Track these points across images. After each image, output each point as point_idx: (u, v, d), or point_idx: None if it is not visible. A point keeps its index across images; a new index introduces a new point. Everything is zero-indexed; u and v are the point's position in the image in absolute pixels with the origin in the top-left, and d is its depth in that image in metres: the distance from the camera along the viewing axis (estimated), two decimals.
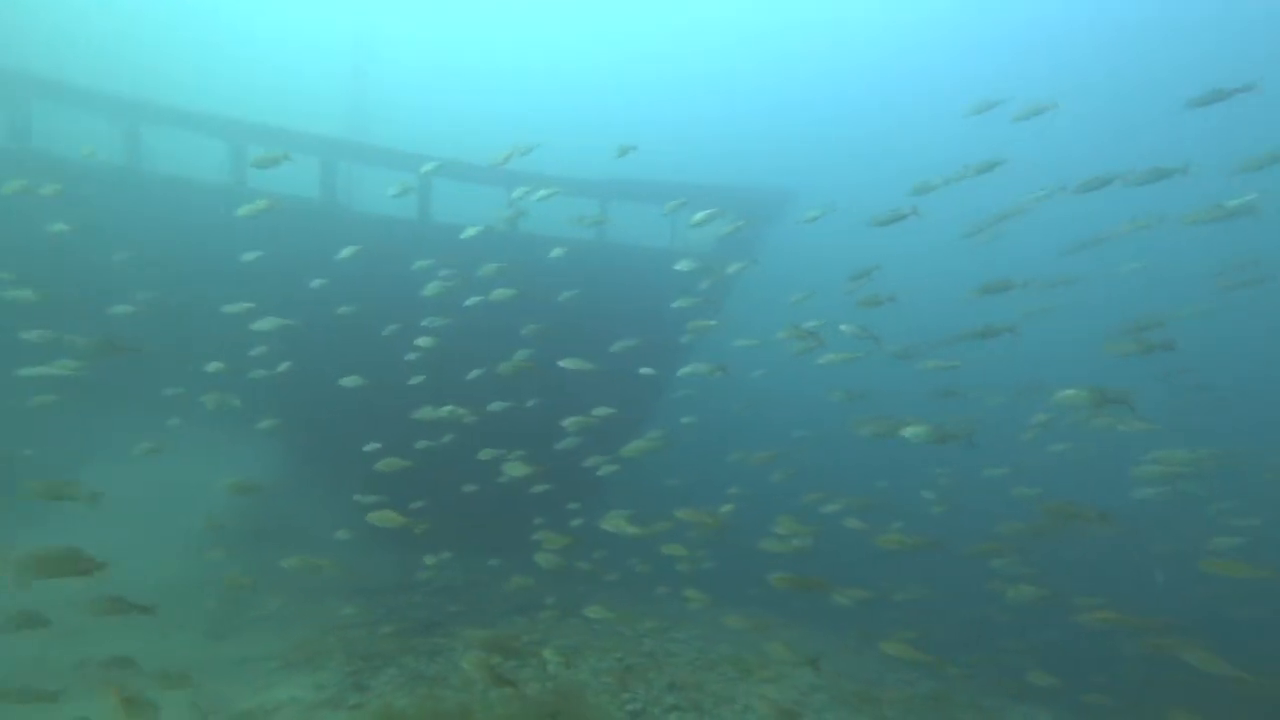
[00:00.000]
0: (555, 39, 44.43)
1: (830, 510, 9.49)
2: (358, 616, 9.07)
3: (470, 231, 9.92)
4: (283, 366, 9.66)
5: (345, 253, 9.25)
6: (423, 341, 9.61)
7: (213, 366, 8.90)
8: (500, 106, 45.81)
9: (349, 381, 9.01)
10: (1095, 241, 9.01)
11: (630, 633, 9.24)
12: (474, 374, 10.12)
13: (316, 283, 10.00)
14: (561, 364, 9.10)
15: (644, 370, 11.04)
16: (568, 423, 9.29)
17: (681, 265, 9.74)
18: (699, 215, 9.35)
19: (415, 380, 10.38)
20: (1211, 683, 7.54)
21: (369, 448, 9.31)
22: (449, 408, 8.72)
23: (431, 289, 9.47)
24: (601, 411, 9.42)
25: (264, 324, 8.65)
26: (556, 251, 10.20)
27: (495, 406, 10.00)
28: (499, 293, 9.42)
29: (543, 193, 10.00)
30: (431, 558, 9.32)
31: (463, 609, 9.52)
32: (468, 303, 9.87)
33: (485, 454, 9.19)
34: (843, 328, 8.61)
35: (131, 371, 10.40)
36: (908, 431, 7.03)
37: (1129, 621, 6.12)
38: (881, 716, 7.72)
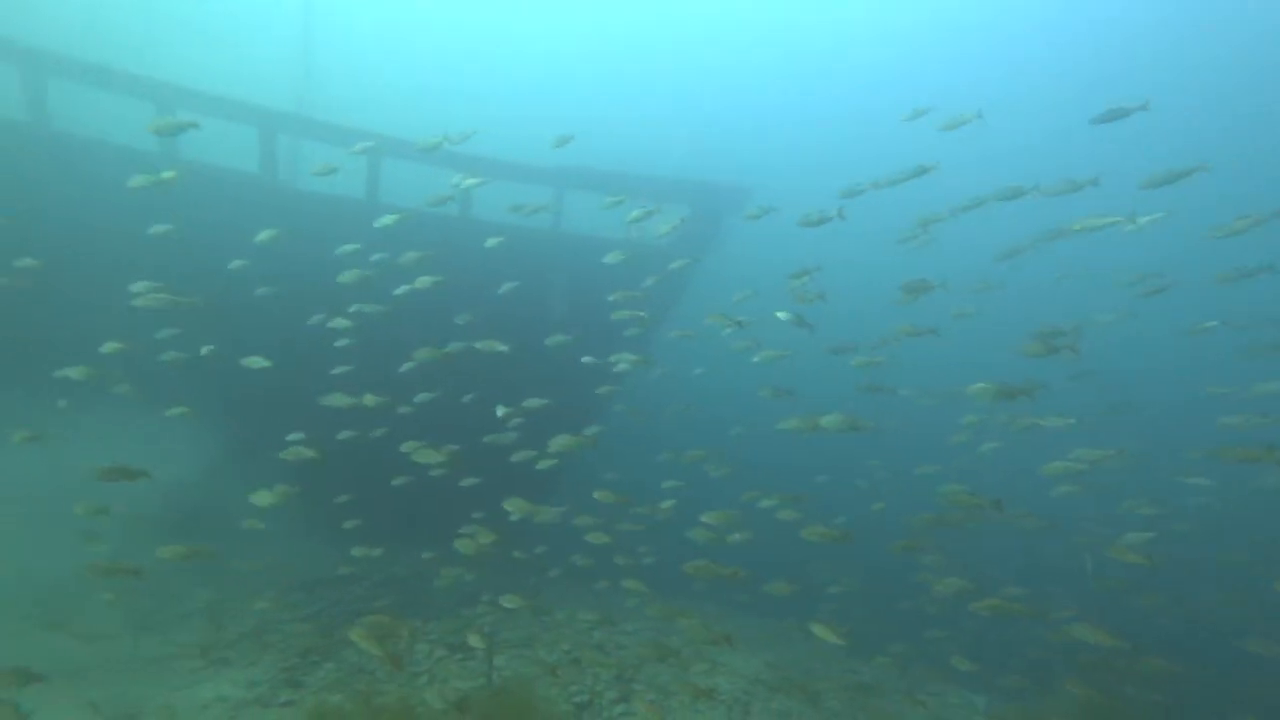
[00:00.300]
0: (521, 24, 43.35)
1: (767, 505, 9.57)
2: (295, 610, 8.63)
3: (386, 220, 9.01)
4: (206, 350, 8.93)
5: (264, 236, 8.54)
6: (338, 323, 9.03)
7: (110, 347, 8.08)
8: (460, 87, 44.43)
9: (253, 362, 8.28)
10: (1019, 250, 9.34)
11: (580, 625, 9.15)
12: (406, 366, 9.71)
13: (236, 263, 9.28)
14: (477, 346, 8.82)
15: (586, 359, 10.89)
16: (501, 412, 9.05)
17: (611, 258, 9.53)
18: (635, 212, 9.21)
19: (339, 370, 9.82)
20: (1111, 661, 8.09)
21: (293, 437, 8.80)
22: (368, 395, 8.26)
23: (373, 272, 8.99)
24: (534, 403, 9.21)
25: (153, 301, 7.77)
26: (492, 241, 9.73)
27: (423, 398, 9.59)
28: (443, 279, 9.04)
29: (471, 181, 9.51)
30: (360, 550, 8.88)
31: (406, 601, 9.19)
32: (399, 291, 9.25)
33: (408, 447, 8.63)
34: (779, 314, 8.68)
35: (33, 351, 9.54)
36: (824, 420, 7.28)
37: (1017, 609, 6.42)
38: (823, 705, 7.91)
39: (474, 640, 7.67)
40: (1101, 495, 9.97)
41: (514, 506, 7.78)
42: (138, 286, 7.91)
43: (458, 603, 9.42)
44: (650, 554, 10.32)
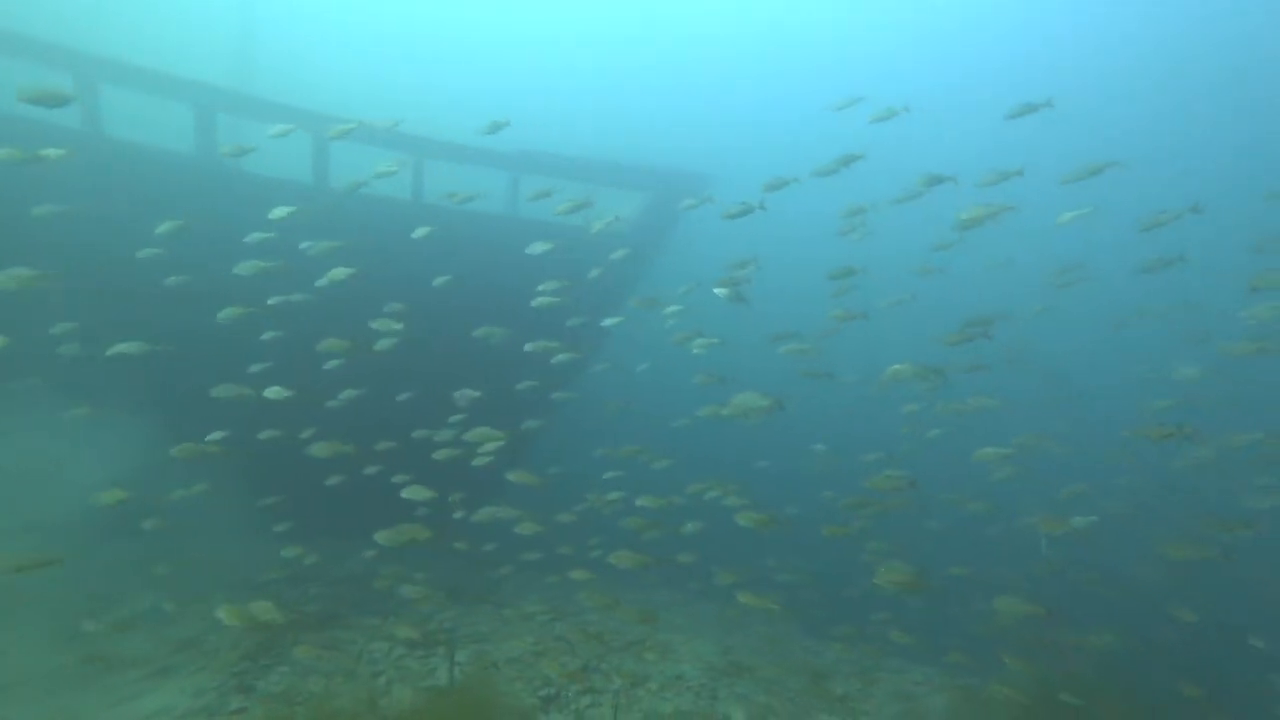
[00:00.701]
0: (478, 12, 41.90)
1: (712, 495, 9.53)
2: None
3: (279, 213, 8.20)
4: (123, 346, 8.10)
5: (166, 227, 7.86)
6: (231, 308, 8.23)
7: None
8: (414, 72, 42.69)
9: (131, 348, 7.49)
10: (948, 244, 9.47)
11: (541, 618, 8.99)
12: (331, 364, 9.12)
13: (146, 252, 8.52)
14: (408, 326, 8.40)
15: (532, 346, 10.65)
16: (462, 400, 8.72)
17: (534, 249, 9.13)
18: (563, 205, 8.90)
19: (259, 366, 9.20)
20: (1052, 635, 8.45)
21: (213, 437, 8.25)
22: (274, 388, 7.66)
23: (312, 261, 8.33)
24: (469, 394, 8.90)
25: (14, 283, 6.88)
26: (420, 231, 9.06)
27: (348, 394, 9.04)
28: (401, 268, 8.60)
29: (378, 167, 8.89)
30: (292, 550, 8.34)
31: (363, 599, 8.80)
32: (319, 282, 8.46)
33: (320, 448, 7.83)
34: (716, 290, 8.59)
35: None
36: (737, 399, 7.44)
37: (918, 583, 6.47)
38: (786, 686, 7.96)
39: (404, 632, 7.24)
40: (1043, 478, 10.41)
41: (414, 494, 7.41)
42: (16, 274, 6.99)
43: (417, 599, 9.09)
44: (599, 546, 10.26)
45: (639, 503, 8.39)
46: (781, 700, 7.48)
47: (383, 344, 8.54)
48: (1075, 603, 9.79)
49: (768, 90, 43.24)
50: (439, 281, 9.47)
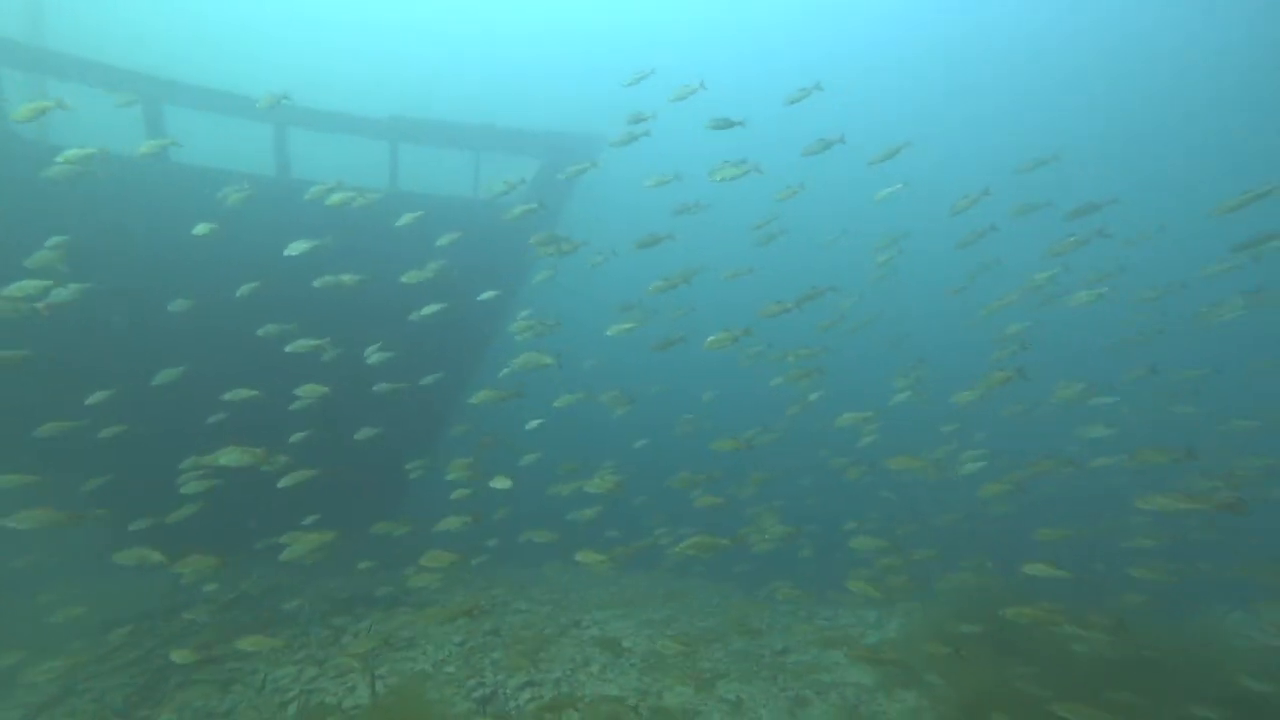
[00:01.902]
0: None
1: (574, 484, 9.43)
2: (115, 657, 6.84)
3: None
4: None
5: None
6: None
7: None
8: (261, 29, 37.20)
9: None
10: (769, 221, 9.91)
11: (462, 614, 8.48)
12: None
13: None
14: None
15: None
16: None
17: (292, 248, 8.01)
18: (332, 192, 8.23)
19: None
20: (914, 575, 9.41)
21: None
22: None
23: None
24: (315, 390, 8.13)
25: None
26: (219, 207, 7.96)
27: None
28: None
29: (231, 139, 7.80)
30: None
31: (263, 621, 7.78)
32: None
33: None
34: (532, 240, 8.54)
35: None
36: (520, 358, 7.66)
37: (720, 542, 6.99)
38: (718, 651, 8.10)
39: (178, 656, 5.77)
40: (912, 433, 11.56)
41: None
42: None
43: (330, 610, 8.24)
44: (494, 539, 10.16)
45: (492, 484, 8.00)
46: (722, 665, 7.64)
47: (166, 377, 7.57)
48: (965, 543, 10.98)
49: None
50: (246, 289, 8.24)
